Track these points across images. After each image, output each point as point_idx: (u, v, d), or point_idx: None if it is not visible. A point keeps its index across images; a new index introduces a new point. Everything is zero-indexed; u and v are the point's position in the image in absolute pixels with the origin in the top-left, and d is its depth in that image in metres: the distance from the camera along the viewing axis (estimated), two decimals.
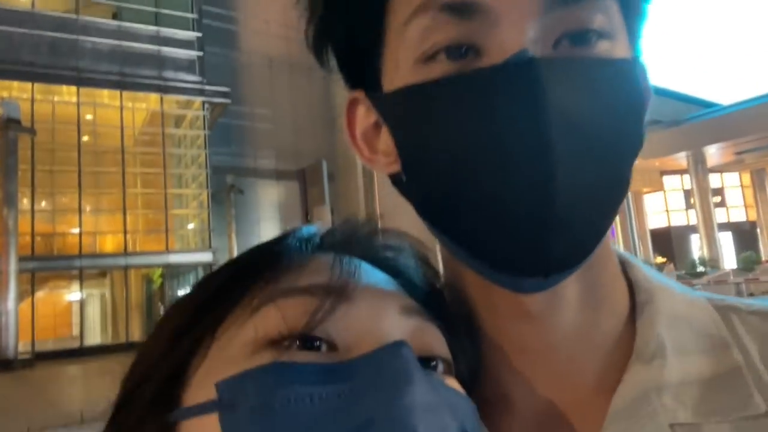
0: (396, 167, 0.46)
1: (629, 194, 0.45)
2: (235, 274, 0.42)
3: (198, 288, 0.43)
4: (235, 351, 0.37)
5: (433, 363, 0.40)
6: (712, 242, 23.47)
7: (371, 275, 0.42)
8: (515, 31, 0.39)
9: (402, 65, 0.43)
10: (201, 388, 0.36)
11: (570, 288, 0.43)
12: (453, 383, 0.40)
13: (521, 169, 0.37)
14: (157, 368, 0.39)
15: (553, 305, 0.44)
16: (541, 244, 0.38)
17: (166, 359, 0.39)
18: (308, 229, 0.46)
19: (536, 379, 0.46)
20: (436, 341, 0.41)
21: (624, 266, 0.50)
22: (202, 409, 0.35)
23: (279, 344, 0.36)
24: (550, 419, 0.45)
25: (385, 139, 0.47)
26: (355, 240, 0.46)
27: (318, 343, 0.37)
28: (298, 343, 0.36)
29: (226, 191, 19.84)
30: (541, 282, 0.40)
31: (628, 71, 0.42)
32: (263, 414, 0.33)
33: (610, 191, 0.41)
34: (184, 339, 0.39)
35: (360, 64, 0.47)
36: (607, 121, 0.39)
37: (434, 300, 0.44)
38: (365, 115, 0.49)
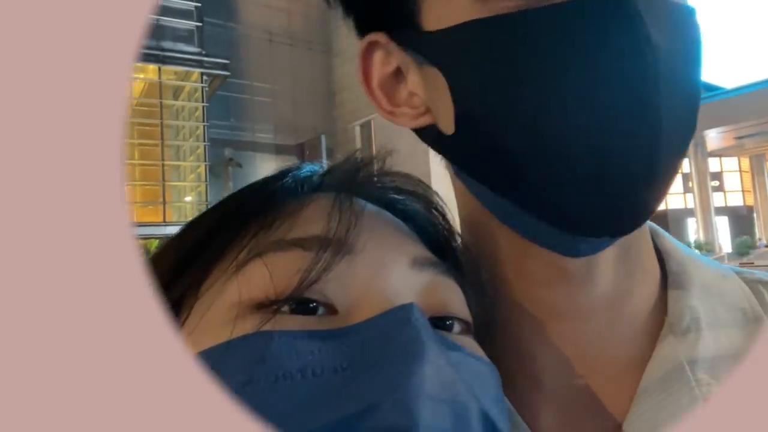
0: (425, 119, 0.41)
1: None
2: (221, 221, 0.37)
3: (180, 237, 0.38)
4: (218, 314, 0.32)
5: (449, 322, 0.35)
6: (708, 226, 23.53)
7: (378, 220, 0.36)
8: None
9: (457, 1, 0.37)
10: None
11: (608, 252, 0.41)
12: (472, 345, 0.36)
13: (625, 116, 0.34)
14: None
15: (591, 269, 0.41)
16: (634, 200, 0.35)
17: None
18: (310, 167, 0.41)
19: (565, 350, 0.43)
20: (452, 298, 0.36)
21: (653, 236, 0.47)
22: None
23: (268, 307, 0.31)
24: (579, 392, 0.43)
25: (412, 88, 0.42)
26: (360, 179, 0.40)
27: (313, 304, 0.32)
28: (289, 305, 0.31)
29: (224, 165, 19.74)
30: (604, 242, 0.38)
31: (695, 19, 0.39)
32: (247, 392, 0.28)
33: (686, 144, 0.38)
34: (163, 297, 0.34)
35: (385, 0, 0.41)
36: (690, 68, 0.37)
37: (450, 251, 0.40)
38: (383, 62, 0.43)
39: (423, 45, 0.40)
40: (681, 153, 0.38)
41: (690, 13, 0.39)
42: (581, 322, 0.43)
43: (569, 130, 0.35)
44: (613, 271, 0.42)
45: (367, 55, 0.44)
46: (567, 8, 0.34)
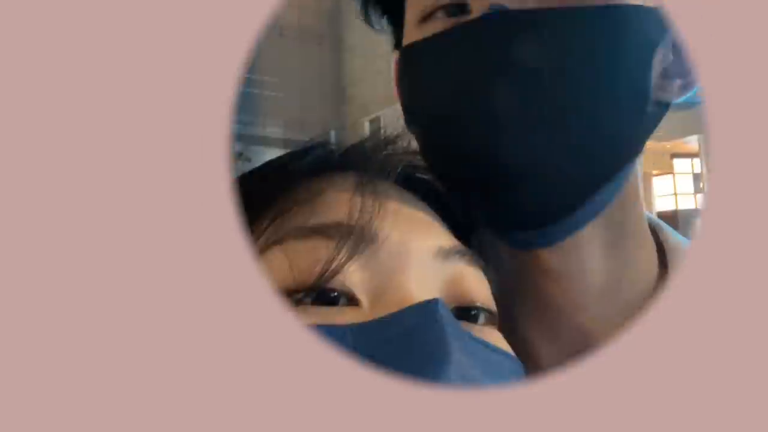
0: None
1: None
2: (241, 201, 0.35)
3: None
4: None
5: (474, 312, 0.34)
6: None
7: (402, 204, 0.35)
8: None
9: (409, 24, 0.43)
10: None
11: (593, 247, 0.42)
12: (495, 337, 0.35)
13: (482, 127, 0.37)
14: None
15: (576, 264, 0.42)
16: (517, 201, 0.38)
17: None
18: (333, 146, 0.40)
19: (562, 339, 0.45)
20: (478, 288, 0.35)
21: (655, 231, 0.48)
22: None
23: (288, 296, 0.30)
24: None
25: None
26: (384, 157, 0.39)
27: (335, 294, 0.31)
28: (310, 296, 0.30)
29: (233, 159, 19.82)
30: (531, 239, 0.40)
31: (625, 20, 0.37)
32: None
33: (589, 151, 0.37)
34: None
35: (393, 24, 0.49)
36: (588, 77, 0.36)
37: (476, 234, 0.40)
38: None
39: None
40: (578, 158, 0.37)
41: (622, 13, 0.37)
42: (575, 313, 0.44)
43: (457, 139, 0.38)
44: (604, 265, 0.43)
45: (397, 67, 0.50)
46: (445, 34, 0.39)
